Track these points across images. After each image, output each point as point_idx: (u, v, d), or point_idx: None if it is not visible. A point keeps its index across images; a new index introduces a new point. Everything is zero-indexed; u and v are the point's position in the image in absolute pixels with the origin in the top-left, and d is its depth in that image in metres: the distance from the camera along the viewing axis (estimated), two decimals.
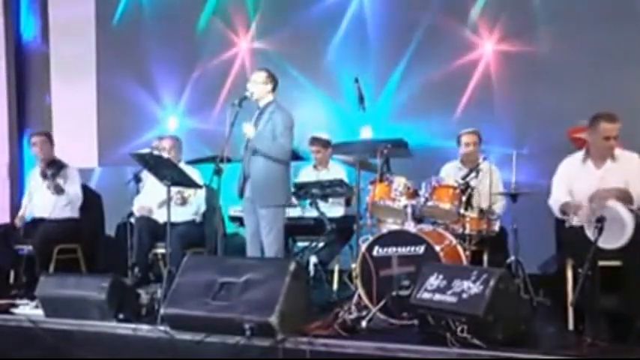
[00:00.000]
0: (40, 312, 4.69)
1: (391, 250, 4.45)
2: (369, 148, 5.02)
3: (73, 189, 5.92)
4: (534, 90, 6.20)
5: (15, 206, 7.35)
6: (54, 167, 5.82)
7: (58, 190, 5.74)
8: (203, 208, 5.77)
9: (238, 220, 5.73)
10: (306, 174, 6.11)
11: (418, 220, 4.79)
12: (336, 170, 6.02)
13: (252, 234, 5.02)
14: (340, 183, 5.49)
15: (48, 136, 6.08)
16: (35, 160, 6.14)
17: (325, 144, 6.07)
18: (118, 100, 7.94)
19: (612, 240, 3.78)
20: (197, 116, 7.60)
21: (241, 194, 5.01)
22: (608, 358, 3.54)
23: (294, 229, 5.69)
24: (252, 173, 4.91)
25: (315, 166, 6.17)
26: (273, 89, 5.02)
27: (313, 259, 5.48)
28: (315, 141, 6.09)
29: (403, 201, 4.70)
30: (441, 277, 3.92)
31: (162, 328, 4.20)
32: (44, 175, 5.81)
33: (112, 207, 6.45)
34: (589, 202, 4.09)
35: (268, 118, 4.92)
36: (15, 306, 4.97)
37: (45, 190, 5.79)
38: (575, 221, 4.24)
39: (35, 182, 6.00)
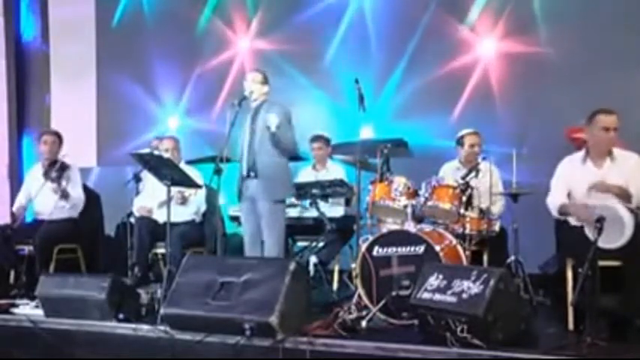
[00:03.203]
0: (40, 312, 4.69)
1: (391, 250, 4.44)
2: (369, 148, 5.01)
3: (76, 192, 5.90)
4: (534, 90, 6.20)
5: None
6: (57, 169, 5.79)
7: (65, 195, 5.74)
8: (203, 208, 5.77)
9: (238, 220, 5.73)
10: (306, 174, 6.11)
11: (418, 220, 4.79)
12: (335, 170, 6.02)
13: (252, 234, 5.01)
14: (340, 183, 5.49)
15: (58, 137, 6.06)
16: (36, 158, 6.13)
17: (327, 141, 6.11)
18: (117, 100, 7.95)
19: (612, 240, 3.78)
20: (197, 116, 7.61)
21: (239, 195, 5.00)
22: (608, 358, 3.54)
23: (294, 229, 5.69)
24: (258, 169, 4.90)
25: (314, 166, 6.17)
26: (268, 90, 5.07)
27: (313, 259, 5.48)
28: (317, 138, 6.13)
29: (403, 201, 4.70)
30: (441, 277, 3.91)
31: (162, 328, 4.20)
32: (47, 176, 5.79)
33: (112, 207, 6.44)
34: (588, 190, 4.12)
35: (265, 115, 4.92)
36: (15, 306, 4.97)
37: (47, 191, 5.76)
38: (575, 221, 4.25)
39: (36, 182, 5.94)
